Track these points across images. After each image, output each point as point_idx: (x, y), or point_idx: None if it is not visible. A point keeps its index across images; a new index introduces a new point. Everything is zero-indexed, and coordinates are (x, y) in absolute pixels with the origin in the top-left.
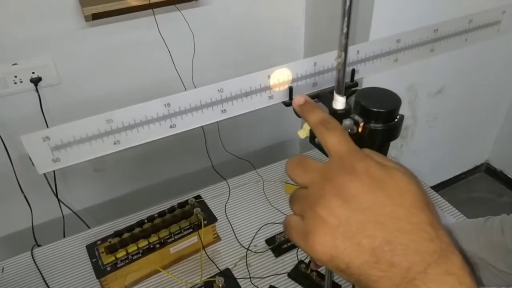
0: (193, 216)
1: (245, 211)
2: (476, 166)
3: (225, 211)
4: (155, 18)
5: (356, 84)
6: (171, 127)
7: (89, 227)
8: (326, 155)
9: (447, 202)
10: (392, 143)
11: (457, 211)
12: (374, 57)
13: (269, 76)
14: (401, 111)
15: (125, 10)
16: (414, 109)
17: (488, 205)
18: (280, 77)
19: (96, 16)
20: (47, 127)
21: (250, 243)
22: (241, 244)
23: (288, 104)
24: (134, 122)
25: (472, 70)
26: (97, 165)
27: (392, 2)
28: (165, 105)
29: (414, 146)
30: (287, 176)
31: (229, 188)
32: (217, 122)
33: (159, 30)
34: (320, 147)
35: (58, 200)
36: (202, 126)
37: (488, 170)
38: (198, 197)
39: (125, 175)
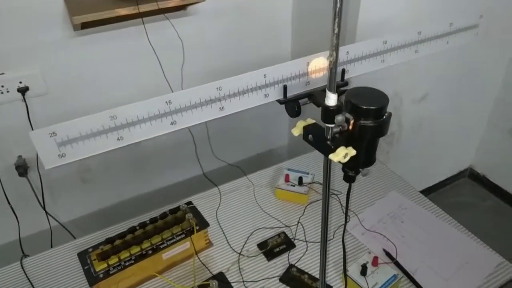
0: (185, 222)
1: (236, 217)
2: (460, 171)
3: (217, 217)
4: (144, 27)
5: (346, 83)
6: (172, 123)
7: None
8: (321, 152)
9: (437, 207)
10: (379, 149)
11: (447, 215)
12: (362, 57)
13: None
14: None
15: (114, 19)
16: (399, 116)
17: (472, 209)
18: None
19: (85, 25)
20: None
21: (242, 248)
22: (233, 249)
23: (282, 102)
24: (137, 118)
25: (454, 77)
26: (85, 176)
27: (377, 4)
28: (166, 102)
29: (400, 153)
30: (278, 181)
31: (220, 194)
32: (207, 129)
33: (148, 39)
34: (312, 143)
35: (46, 212)
36: (191, 134)
37: (471, 175)
38: (189, 203)
39: (114, 186)
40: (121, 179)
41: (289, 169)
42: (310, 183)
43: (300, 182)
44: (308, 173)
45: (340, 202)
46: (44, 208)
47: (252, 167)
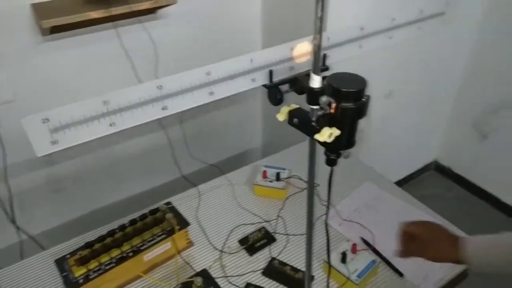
0: (165, 222)
1: (216, 215)
2: (425, 164)
3: (197, 217)
4: (116, 31)
5: (327, 68)
6: (163, 109)
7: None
8: (307, 134)
9: (409, 195)
10: None
11: (419, 202)
12: (342, 43)
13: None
14: None
15: (85, 23)
16: (368, 112)
17: (439, 200)
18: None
19: (54, 30)
20: (2, 145)
21: (224, 245)
22: (214, 247)
23: (268, 86)
24: (129, 104)
25: (416, 73)
26: (57, 186)
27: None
28: (157, 87)
29: (367, 148)
30: (256, 178)
31: (199, 193)
32: (183, 131)
33: (121, 43)
34: (297, 127)
35: (16, 226)
36: (168, 137)
37: (437, 168)
38: (168, 203)
39: (88, 195)
40: (96, 188)
41: (266, 166)
42: (287, 178)
43: (278, 177)
44: (285, 169)
45: (317, 194)
46: (14, 221)
47: (228, 168)
